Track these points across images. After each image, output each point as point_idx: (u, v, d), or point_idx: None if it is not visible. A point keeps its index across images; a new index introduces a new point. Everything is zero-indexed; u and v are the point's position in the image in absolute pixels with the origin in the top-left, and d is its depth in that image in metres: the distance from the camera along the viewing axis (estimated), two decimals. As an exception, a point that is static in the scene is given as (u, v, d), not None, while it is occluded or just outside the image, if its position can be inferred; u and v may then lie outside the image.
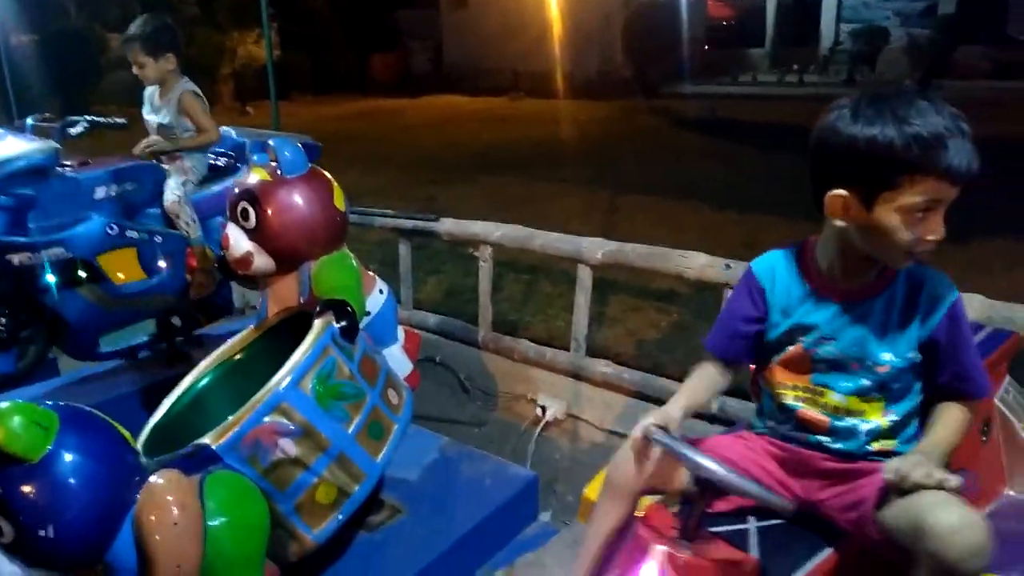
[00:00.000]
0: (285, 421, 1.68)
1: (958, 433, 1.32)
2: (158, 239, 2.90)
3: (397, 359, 2.33)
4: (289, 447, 1.69)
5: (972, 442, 1.63)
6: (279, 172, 2.07)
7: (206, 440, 1.61)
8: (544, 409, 3.37)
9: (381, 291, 2.38)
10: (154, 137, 3.06)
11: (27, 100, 3.38)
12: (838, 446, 1.38)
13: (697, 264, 3.05)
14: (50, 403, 1.41)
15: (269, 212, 2.03)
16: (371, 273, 2.39)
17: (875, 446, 1.37)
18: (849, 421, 1.36)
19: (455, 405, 3.58)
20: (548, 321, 4.20)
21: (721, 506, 1.39)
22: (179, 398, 1.97)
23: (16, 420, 1.30)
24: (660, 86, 15.40)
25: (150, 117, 3.11)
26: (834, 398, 1.37)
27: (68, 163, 2.82)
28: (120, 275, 2.78)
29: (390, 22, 21.48)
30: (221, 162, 3.24)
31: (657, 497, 1.45)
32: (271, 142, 2.12)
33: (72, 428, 1.38)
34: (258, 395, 1.69)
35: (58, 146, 2.74)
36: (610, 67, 17.10)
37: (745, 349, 1.49)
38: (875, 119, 1.21)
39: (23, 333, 2.78)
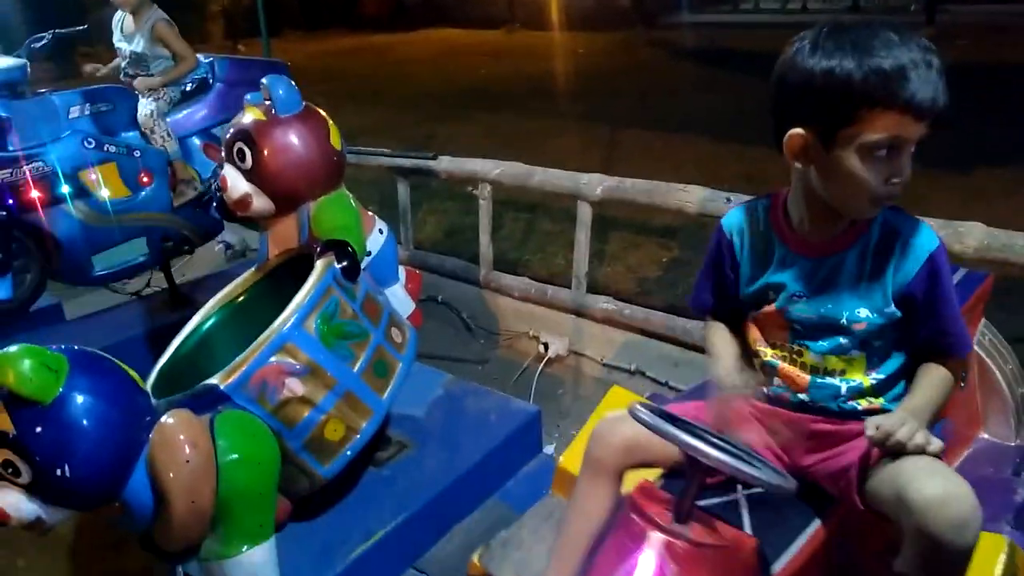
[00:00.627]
0: (291, 360, 1.70)
1: (943, 393, 1.26)
2: (137, 154, 3.00)
3: (399, 298, 2.34)
4: (296, 386, 1.71)
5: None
6: (273, 111, 2.04)
7: (214, 381, 1.63)
8: (546, 346, 3.40)
9: (381, 231, 2.38)
10: (154, 79, 3.13)
11: (8, 41, 3.47)
12: (821, 405, 1.32)
13: (697, 198, 3.03)
14: (59, 346, 1.42)
15: (265, 152, 2.01)
16: (370, 213, 2.38)
17: (861, 404, 1.30)
18: (830, 380, 1.31)
19: (458, 343, 3.61)
20: (548, 259, 4.21)
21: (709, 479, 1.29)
22: (185, 340, 1.99)
23: (27, 363, 1.32)
24: (659, 16, 15.05)
25: (121, 44, 3.15)
26: (812, 357, 1.31)
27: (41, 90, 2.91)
28: (103, 190, 2.90)
29: (380, -47, 20.85)
30: (190, 86, 3.34)
31: (642, 472, 1.35)
32: (264, 80, 2.09)
33: (82, 370, 1.40)
34: (263, 336, 1.70)
35: (26, 61, 2.84)
36: (607, -3, 16.67)
37: (724, 305, 1.45)
38: (834, 51, 1.13)
39: (16, 261, 2.83)
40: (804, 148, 1.21)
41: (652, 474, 1.39)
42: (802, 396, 1.34)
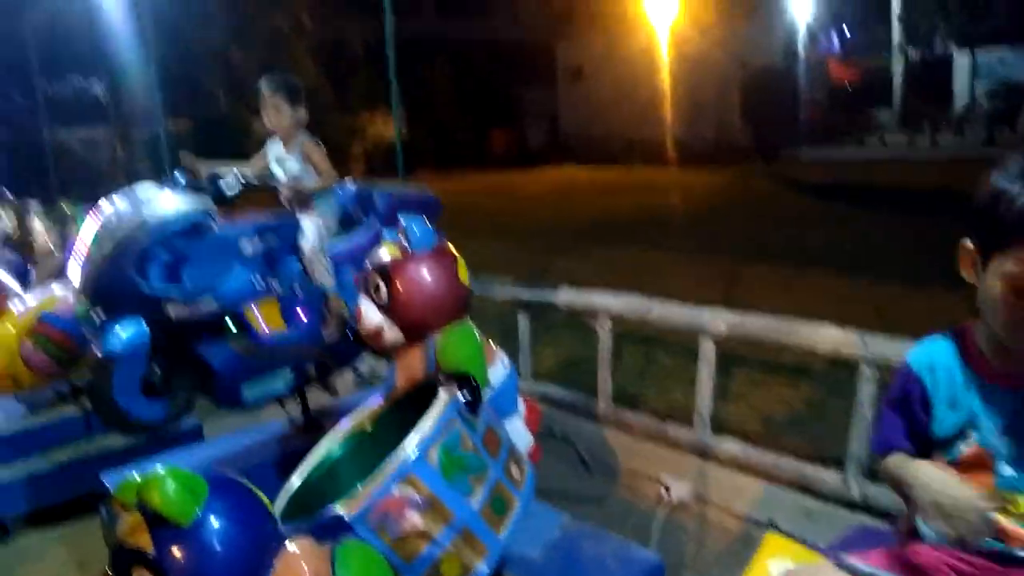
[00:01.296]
0: (413, 492, 1.71)
1: None
2: (298, 290, 3.07)
3: (518, 432, 2.34)
4: (416, 519, 1.71)
5: None
6: (408, 248, 2.17)
7: (339, 510, 1.66)
8: (668, 489, 3.25)
9: (503, 363, 2.42)
10: (290, 185, 3.23)
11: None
12: None
13: (828, 338, 2.91)
14: (199, 470, 1.50)
15: (399, 287, 2.12)
16: (493, 346, 2.43)
17: None
18: None
19: (575, 480, 3.52)
20: (668, 394, 4.10)
21: None
22: (313, 466, 2.05)
23: (170, 485, 1.39)
24: (780, 151, 15.11)
25: (278, 169, 3.32)
26: None
27: (218, 217, 3.00)
28: (263, 326, 2.93)
29: (508, 99, 22.42)
30: (348, 212, 3.43)
31: None
32: (402, 220, 2.24)
33: (219, 494, 1.46)
34: (387, 465, 1.73)
35: (213, 205, 2.94)
36: (726, 133, 16.98)
37: (913, 450, 1.34)
38: (1017, 176, 1.14)
39: (174, 381, 2.96)
40: (971, 261, 1.21)
41: None
42: (1021, 553, 1.19)
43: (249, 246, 2.99)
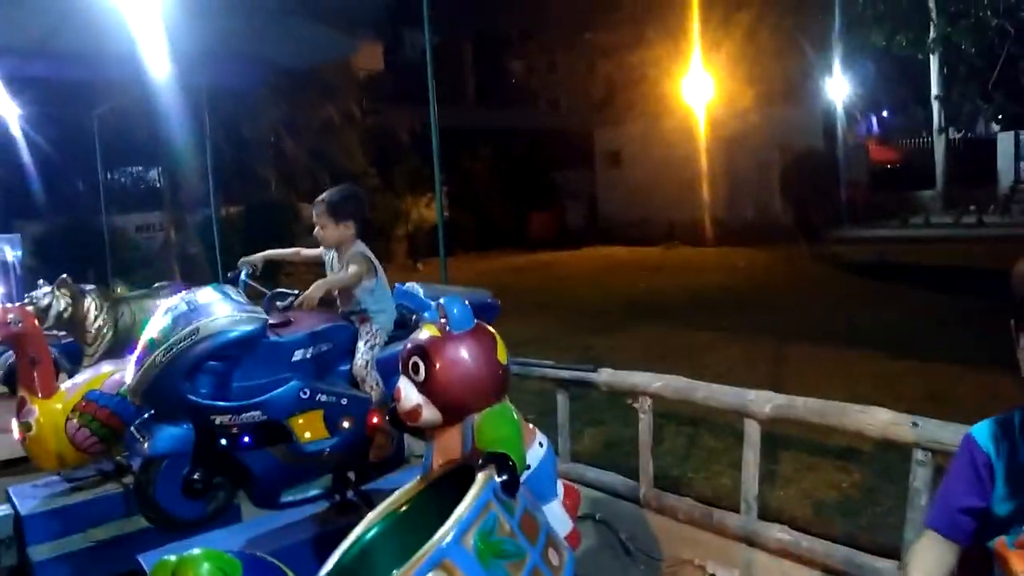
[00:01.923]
0: (448, 578, 1.67)
1: None
2: (344, 401, 3.00)
3: (557, 516, 2.28)
4: (451, 607, 1.66)
5: None
6: (448, 328, 2.18)
7: (372, 595, 1.62)
8: (713, 577, 3.12)
9: (541, 444, 2.39)
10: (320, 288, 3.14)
11: (232, 264, 3.72)
12: None
13: (879, 420, 2.81)
14: (235, 552, 1.49)
15: (438, 367, 2.12)
16: (531, 426, 2.41)
17: None
18: None
19: (616, 568, 3.39)
20: (713, 478, 3.98)
21: None
22: (348, 548, 2.02)
23: (205, 567, 1.39)
24: (822, 231, 15.02)
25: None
26: None
27: (273, 316, 3.01)
28: (307, 435, 2.89)
29: (547, 182, 22.91)
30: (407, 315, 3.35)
31: None
32: (441, 300, 2.26)
33: (253, 575, 1.45)
34: (422, 550, 1.69)
35: (268, 319, 2.92)
36: (766, 213, 17.00)
37: (972, 527, 1.30)
38: None
39: (214, 482, 2.97)
40: (1017, 337, 1.23)
41: None
42: None
43: (300, 354, 2.97)
